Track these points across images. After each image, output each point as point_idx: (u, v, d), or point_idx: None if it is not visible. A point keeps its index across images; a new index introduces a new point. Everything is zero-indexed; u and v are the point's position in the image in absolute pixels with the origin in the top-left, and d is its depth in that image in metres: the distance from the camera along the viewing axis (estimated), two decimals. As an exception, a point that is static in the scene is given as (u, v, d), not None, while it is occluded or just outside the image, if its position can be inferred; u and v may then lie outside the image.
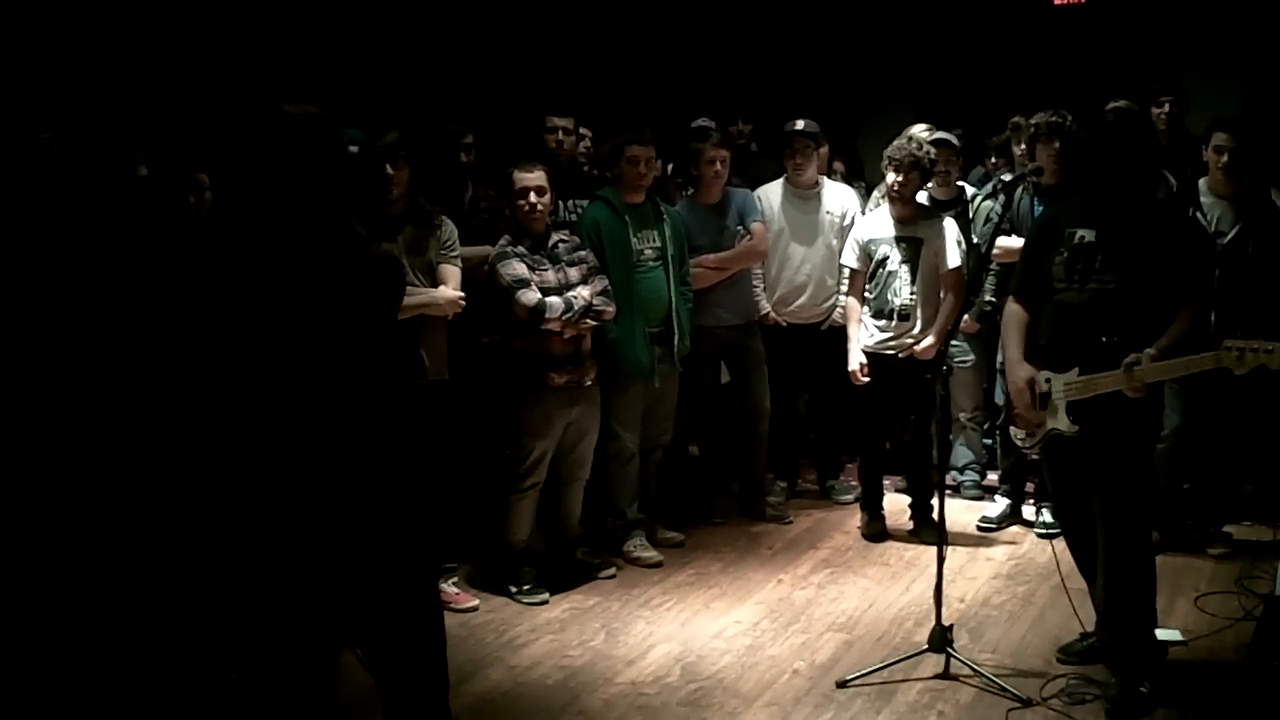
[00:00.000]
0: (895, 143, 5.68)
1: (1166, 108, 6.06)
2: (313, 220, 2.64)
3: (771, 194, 6.18)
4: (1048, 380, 4.04)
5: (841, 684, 4.21)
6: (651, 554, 5.53)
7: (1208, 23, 8.14)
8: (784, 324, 6.17)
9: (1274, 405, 5.39)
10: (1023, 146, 5.98)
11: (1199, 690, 4.05)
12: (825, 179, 6.31)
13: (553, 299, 4.92)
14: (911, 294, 5.65)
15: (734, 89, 7.95)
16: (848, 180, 6.69)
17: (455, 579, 5.12)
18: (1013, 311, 4.25)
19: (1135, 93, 6.04)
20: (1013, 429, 4.29)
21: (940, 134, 6.10)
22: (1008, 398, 4.25)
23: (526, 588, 5.07)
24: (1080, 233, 4.03)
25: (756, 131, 7.01)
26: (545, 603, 5.00)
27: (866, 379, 5.69)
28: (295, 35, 6.26)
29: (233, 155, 2.63)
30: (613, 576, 5.34)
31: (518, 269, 4.93)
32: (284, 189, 2.63)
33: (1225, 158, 5.18)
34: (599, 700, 4.17)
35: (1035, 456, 4.34)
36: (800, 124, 6.10)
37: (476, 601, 5.03)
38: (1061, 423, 4.01)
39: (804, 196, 6.17)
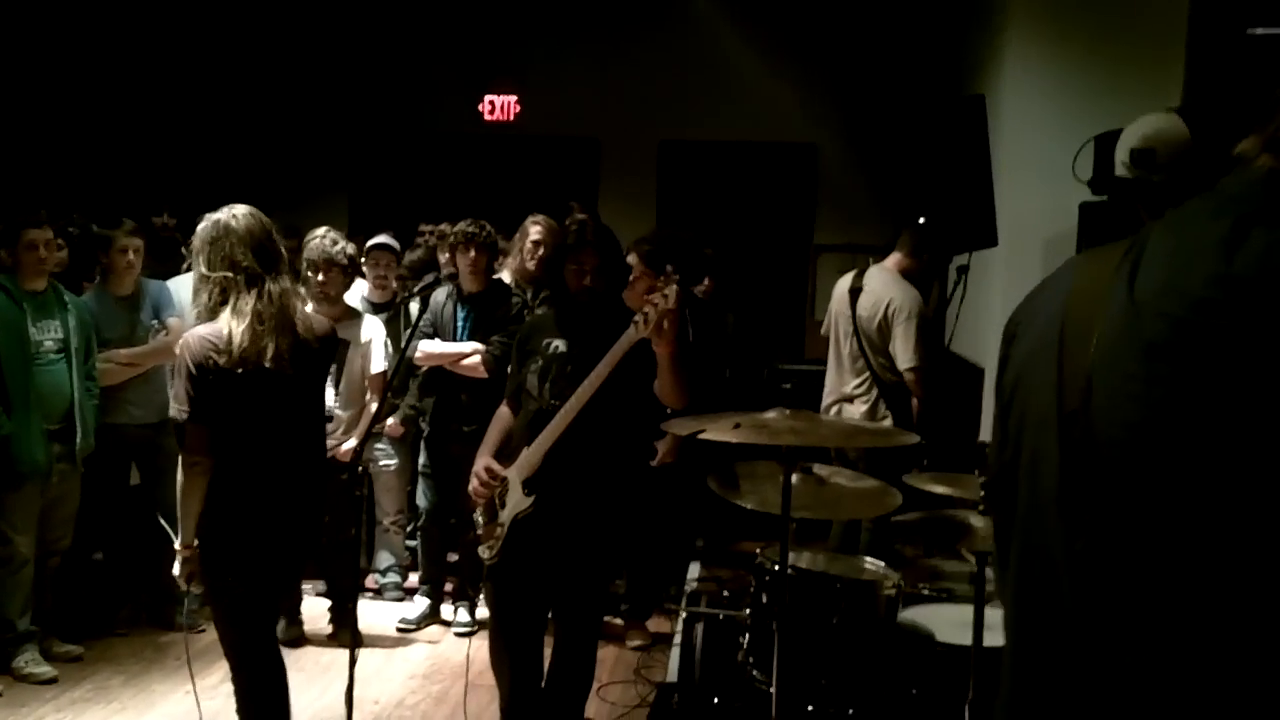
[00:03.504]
0: (312, 243, 5.52)
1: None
2: None
3: (185, 287, 5.92)
4: (505, 478, 3.96)
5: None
6: (44, 669, 5.06)
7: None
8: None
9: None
10: (447, 255, 6.20)
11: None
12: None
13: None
14: (335, 396, 5.62)
15: (159, 178, 7.66)
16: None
17: None
18: (501, 414, 4.19)
19: (555, 209, 6.46)
20: (480, 549, 4.10)
21: (381, 238, 6.17)
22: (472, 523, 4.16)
23: (-122, 717, 4.45)
24: (555, 343, 4.01)
25: (181, 225, 6.74)
26: (-101, 733, 4.41)
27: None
28: None
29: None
30: (-2, 696, 4.83)
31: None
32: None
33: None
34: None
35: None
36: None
37: None
38: (519, 504, 3.88)
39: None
